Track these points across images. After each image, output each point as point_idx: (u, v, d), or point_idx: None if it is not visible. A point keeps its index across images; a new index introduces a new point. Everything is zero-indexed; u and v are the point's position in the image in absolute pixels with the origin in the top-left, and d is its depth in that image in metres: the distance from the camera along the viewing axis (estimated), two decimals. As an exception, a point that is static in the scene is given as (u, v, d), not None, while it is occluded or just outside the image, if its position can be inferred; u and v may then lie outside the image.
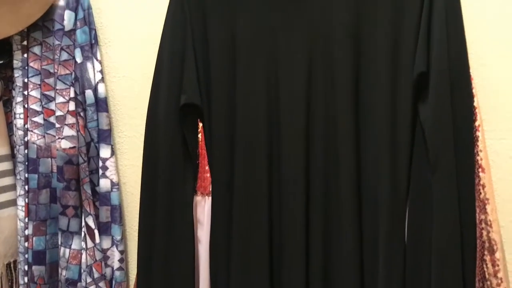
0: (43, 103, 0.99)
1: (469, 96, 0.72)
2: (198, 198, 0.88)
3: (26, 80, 0.99)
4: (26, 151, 0.99)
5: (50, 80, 0.99)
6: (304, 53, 0.78)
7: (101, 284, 0.97)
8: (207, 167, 0.86)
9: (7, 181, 1.03)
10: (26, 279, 1.00)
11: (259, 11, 0.80)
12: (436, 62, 0.71)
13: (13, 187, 1.04)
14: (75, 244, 0.99)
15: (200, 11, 0.84)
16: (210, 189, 0.86)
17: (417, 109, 0.74)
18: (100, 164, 0.98)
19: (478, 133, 0.72)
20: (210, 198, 0.86)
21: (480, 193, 0.72)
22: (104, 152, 0.98)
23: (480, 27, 0.79)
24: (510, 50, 0.78)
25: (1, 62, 1.01)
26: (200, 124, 0.87)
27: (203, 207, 0.88)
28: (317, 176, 0.78)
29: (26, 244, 1.00)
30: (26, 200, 1.00)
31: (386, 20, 0.75)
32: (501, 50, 0.78)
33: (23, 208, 1.00)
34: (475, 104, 0.73)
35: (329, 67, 0.77)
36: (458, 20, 0.74)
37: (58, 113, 0.97)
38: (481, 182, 0.72)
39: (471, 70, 0.74)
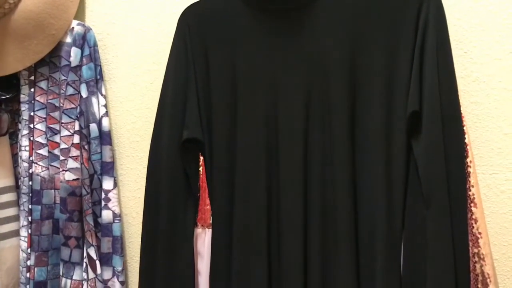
0: (48, 135, 1.02)
1: (461, 133, 0.75)
2: (198, 231, 0.90)
3: (32, 113, 1.02)
4: (30, 182, 1.02)
5: (56, 114, 1.01)
6: (302, 90, 0.81)
7: (102, 315, 0.98)
8: (207, 200, 0.88)
9: (10, 212, 1.05)
10: (27, 309, 1.01)
11: (258, 48, 0.83)
12: (428, 101, 0.74)
13: (16, 218, 1.06)
14: (77, 274, 1.00)
15: (202, 48, 0.87)
16: (211, 222, 0.88)
17: (411, 145, 0.77)
18: (103, 195, 1.00)
19: (470, 169, 0.75)
20: (211, 230, 0.88)
21: (473, 227, 0.74)
22: (107, 184, 1.00)
23: (469, 63, 0.82)
24: (499, 88, 0.81)
25: (9, 96, 1.04)
26: (201, 158, 0.89)
27: (204, 239, 0.90)
28: (315, 211, 0.79)
29: (28, 274, 1.01)
30: (29, 231, 1.01)
31: (380, 58, 0.78)
32: (491, 88, 0.81)
33: (26, 239, 1.02)
34: (466, 141, 0.75)
35: (327, 103, 0.80)
36: (448, 58, 0.76)
37: (63, 145, 1.00)
38: (474, 217, 0.74)
39: (462, 108, 0.76)
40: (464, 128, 0.76)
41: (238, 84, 0.85)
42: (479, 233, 0.74)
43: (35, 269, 1.00)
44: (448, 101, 0.75)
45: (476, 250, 0.74)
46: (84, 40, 1.00)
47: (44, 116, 1.02)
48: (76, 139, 0.99)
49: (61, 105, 1.00)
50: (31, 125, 1.02)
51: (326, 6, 0.80)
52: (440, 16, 0.76)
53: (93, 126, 0.99)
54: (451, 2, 0.82)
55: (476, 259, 0.74)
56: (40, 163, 1.02)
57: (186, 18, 0.89)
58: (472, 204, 0.74)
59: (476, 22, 0.82)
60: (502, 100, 0.81)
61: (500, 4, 0.80)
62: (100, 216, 1.00)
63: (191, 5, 0.90)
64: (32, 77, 1.02)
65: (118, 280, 1.01)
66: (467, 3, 0.82)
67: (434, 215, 0.73)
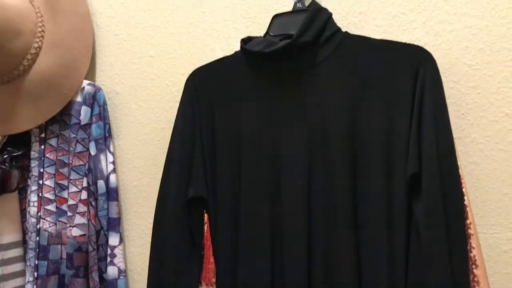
0: (56, 191, 1.04)
1: (460, 195, 0.76)
2: (202, 289, 0.91)
3: (41, 170, 1.05)
4: (37, 238, 1.03)
5: (64, 170, 1.04)
6: (304, 153, 0.82)
7: None
8: (211, 259, 0.89)
9: (16, 267, 1.06)
10: None
11: (261, 109, 0.86)
12: (427, 163, 0.75)
13: (22, 273, 1.07)
14: (81, 332, 1.00)
15: (208, 107, 0.90)
16: (215, 280, 0.89)
17: (411, 206, 0.78)
18: (109, 251, 1.01)
19: (470, 231, 0.76)
20: (215, 289, 0.89)
21: (475, 289, 0.75)
22: (113, 240, 1.02)
23: (466, 125, 0.85)
24: (497, 149, 0.83)
25: (19, 153, 1.07)
26: (206, 215, 0.91)
27: (208, 298, 0.90)
28: (318, 273, 0.80)
29: (32, 331, 1.01)
30: (35, 287, 1.02)
31: (380, 122, 0.79)
32: (489, 149, 0.83)
33: (31, 295, 1.02)
34: (466, 202, 0.76)
35: (328, 165, 0.81)
36: (445, 120, 0.78)
37: (71, 201, 1.02)
38: (476, 279, 0.74)
39: (460, 169, 0.78)
40: (463, 189, 0.77)
41: (243, 144, 0.87)
42: (482, 295, 0.74)
43: (40, 325, 1.01)
44: (446, 162, 0.76)
45: (479, 313, 0.74)
46: (94, 99, 1.04)
47: (53, 173, 1.05)
48: (84, 195, 1.01)
49: (70, 162, 1.03)
50: (40, 181, 1.04)
51: (326, 70, 0.83)
52: (436, 80, 0.79)
53: (101, 183, 1.01)
54: (448, 66, 0.85)
55: (480, 322, 0.74)
56: (48, 218, 1.04)
57: (194, 79, 0.93)
58: (473, 266, 0.75)
59: (472, 85, 0.84)
60: (500, 160, 0.83)
61: (495, 68, 0.83)
62: (106, 272, 1.01)
63: (199, 67, 0.93)
64: (43, 135, 1.06)
65: (122, 337, 1.00)
66: (463, 67, 0.85)
67: (434, 276, 0.73)
